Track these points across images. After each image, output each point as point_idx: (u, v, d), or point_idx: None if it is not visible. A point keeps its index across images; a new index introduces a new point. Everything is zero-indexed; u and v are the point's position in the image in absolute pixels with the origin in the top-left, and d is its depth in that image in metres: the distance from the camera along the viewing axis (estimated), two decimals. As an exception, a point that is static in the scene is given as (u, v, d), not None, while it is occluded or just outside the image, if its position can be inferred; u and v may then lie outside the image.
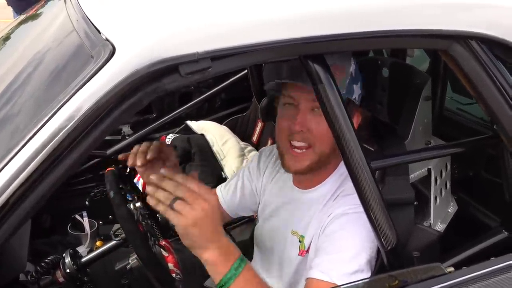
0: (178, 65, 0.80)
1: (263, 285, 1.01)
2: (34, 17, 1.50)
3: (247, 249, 1.59)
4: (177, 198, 0.90)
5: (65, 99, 0.80)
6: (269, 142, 2.15)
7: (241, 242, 1.78)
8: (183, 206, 0.90)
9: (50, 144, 0.80)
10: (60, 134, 0.80)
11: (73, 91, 0.80)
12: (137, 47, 0.82)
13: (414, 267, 1.06)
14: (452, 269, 1.02)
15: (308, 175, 1.20)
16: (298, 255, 1.19)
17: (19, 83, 1.10)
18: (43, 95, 0.97)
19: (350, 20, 0.93)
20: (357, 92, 1.14)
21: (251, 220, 1.90)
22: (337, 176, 1.18)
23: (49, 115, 0.80)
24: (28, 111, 0.98)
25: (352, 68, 1.13)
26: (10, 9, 4.26)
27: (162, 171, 0.95)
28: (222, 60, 0.84)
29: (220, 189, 1.42)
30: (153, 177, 0.94)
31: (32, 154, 0.80)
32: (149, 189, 0.94)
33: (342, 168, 1.16)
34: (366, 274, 1.04)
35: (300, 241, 1.19)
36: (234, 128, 2.42)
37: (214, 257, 0.93)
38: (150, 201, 0.93)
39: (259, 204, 1.38)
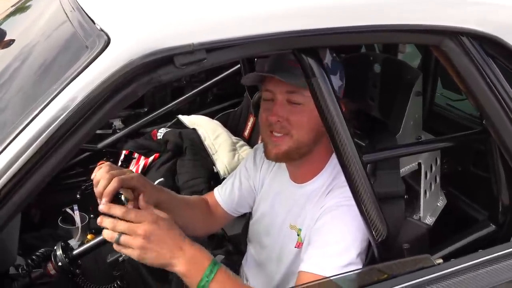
0: (173, 56, 0.80)
1: (239, 285, 1.03)
2: (27, 7, 1.48)
3: (239, 243, 1.60)
4: (120, 233, 0.94)
5: (59, 89, 0.80)
6: (261, 137, 2.15)
7: (233, 236, 1.79)
8: (127, 239, 0.93)
9: (44, 134, 0.79)
10: (54, 124, 0.79)
11: (67, 81, 0.80)
12: (132, 37, 0.82)
13: (404, 258, 1.07)
14: (441, 261, 1.03)
15: (302, 169, 1.21)
16: (295, 247, 1.20)
17: (13, 73, 1.09)
18: (37, 85, 0.96)
19: (343, 14, 0.94)
20: (336, 83, 1.14)
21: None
22: (331, 168, 1.20)
23: (43, 105, 0.80)
24: (22, 101, 0.97)
25: (328, 59, 1.13)
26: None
27: (101, 207, 0.98)
28: (217, 52, 0.84)
29: (217, 191, 1.43)
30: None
31: (25, 145, 0.79)
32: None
33: (335, 160, 1.18)
34: (358, 266, 1.05)
35: (298, 235, 1.20)
36: (226, 123, 2.42)
37: (183, 269, 0.94)
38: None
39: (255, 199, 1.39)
